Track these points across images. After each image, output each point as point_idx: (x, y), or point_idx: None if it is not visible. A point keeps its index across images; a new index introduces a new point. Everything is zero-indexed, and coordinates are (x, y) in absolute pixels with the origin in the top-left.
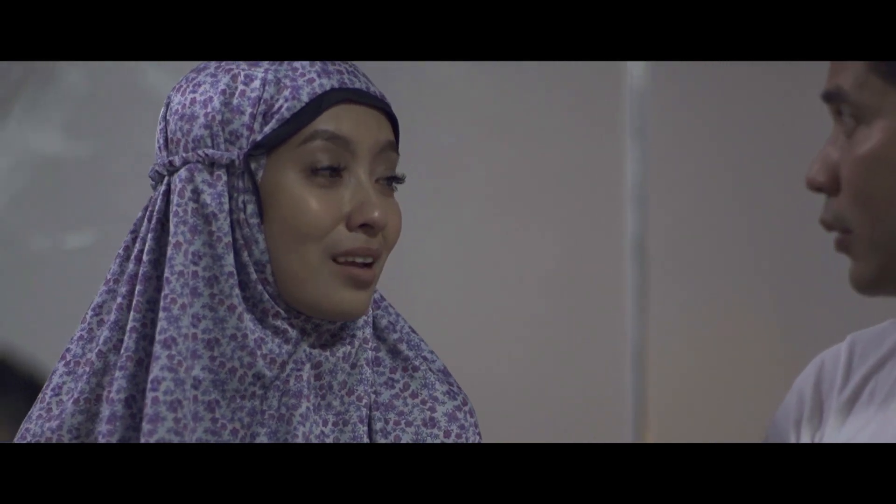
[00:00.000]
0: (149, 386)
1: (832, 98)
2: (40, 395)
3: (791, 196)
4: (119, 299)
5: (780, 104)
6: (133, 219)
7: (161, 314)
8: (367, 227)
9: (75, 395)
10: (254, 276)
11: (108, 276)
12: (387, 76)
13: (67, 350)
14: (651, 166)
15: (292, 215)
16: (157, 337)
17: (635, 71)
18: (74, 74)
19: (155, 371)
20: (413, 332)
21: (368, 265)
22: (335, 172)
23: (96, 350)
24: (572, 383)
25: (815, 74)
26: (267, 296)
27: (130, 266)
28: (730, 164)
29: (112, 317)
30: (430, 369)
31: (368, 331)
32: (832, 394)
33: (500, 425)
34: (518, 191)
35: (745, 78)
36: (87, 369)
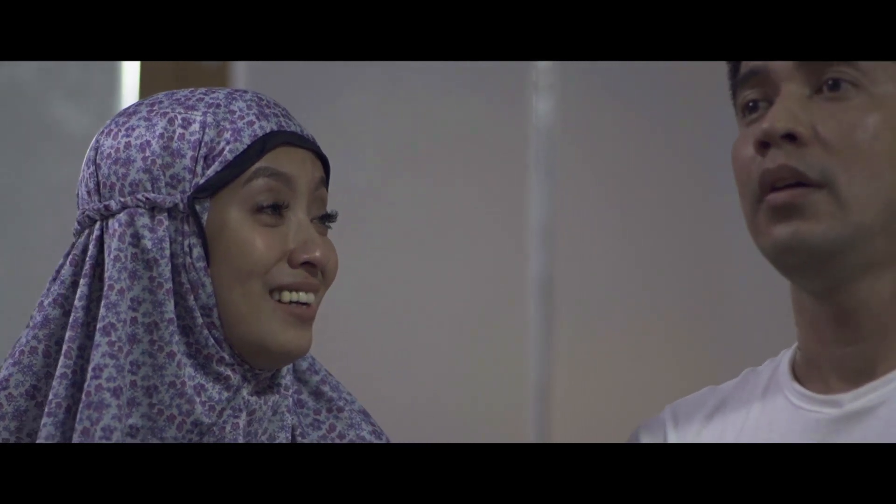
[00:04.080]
0: (100, 434)
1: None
2: None
3: (699, 235)
4: (43, 344)
5: (688, 143)
6: (36, 248)
7: (108, 361)
8: (309, 266)
9: None
10: (199, 320)
11: (33, 323)
12: (297, 111)
13: None
14: (557, 205)
15: (238, 254)
16: (106, 384)
17: (541, 109)
18: None
19: (106, 419)
20: (330, 374)
21: (308, 304)
22: (277, 211)
23: (5, 394)
24: (475, 420)
25: (720, 106)
26: (213, 340)
27: (57, 311)
28: (636, 203)
29: (37, 361)
30: (353, 410)
31: (290, 378)
32: None
33: None
34: (425, 229)
35: (652, 116)
36: None
